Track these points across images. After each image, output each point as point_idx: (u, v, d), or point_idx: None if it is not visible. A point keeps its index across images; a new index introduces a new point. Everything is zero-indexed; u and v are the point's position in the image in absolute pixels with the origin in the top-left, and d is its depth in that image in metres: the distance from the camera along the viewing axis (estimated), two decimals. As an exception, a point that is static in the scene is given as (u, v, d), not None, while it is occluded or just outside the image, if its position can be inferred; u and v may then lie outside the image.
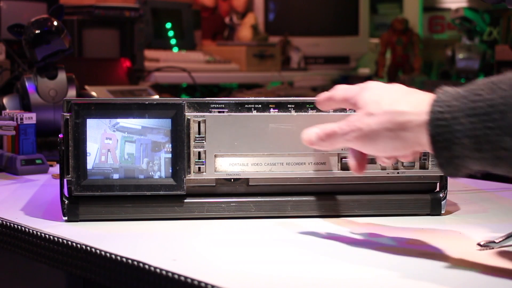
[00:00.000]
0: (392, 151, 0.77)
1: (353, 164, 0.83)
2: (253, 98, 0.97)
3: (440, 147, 0.70)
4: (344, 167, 0.97)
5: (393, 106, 0.75)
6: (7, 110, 1.40)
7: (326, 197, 0.98)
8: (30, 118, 1.33)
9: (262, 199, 0.97)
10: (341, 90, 0.84)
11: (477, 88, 0.70)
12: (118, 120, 0.94)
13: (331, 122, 0.97)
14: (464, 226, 0.94)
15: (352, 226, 0.94)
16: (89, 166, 0.93)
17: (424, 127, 0.71)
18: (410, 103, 0.74)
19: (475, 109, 0.68)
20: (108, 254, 0.80)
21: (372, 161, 0.97)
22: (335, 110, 0.97)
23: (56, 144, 0.97)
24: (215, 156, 0.95)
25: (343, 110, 0.97)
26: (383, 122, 0.75)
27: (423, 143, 0.73)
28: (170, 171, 0.94)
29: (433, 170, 0.98)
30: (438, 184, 1.00)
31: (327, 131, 0.81)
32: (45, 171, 1.33)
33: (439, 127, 0.70)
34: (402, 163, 0.97)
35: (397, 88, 0.78)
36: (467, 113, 0.69)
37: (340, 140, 0.80)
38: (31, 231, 0.90)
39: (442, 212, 0.99)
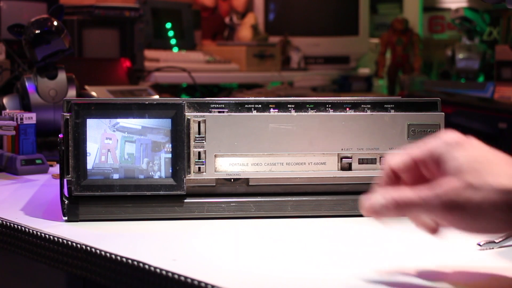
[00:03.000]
0: (492, 231, 0.65)
1: (430, 227, 0.69)
2: (253, 98, 0.97)
3: None
4: (344, 167, 0.97)
5: (503, 183, 0.61)
6: (7, 110, 1.40)
7: (326, 197, 0.98)
8: (30, 118, 1.33)
9: (262, 199, 0.97)
10: (414, 149, 0.67)
11: None
12: (118, 120, 0.94)
13: (332, 122, 0.97)
14: (464, 226, 0.94)
15: (352, 226, 0.94)
16: (89, 166, 0.93)
17: None
18: None
19: None
20: (108, 254, 0.80)
21: (372, 161, 0.97)
22: (334, 109, 0.97)
23: (56, 144, 0.97)
24: (215, 156, 0.95)
25: (344, 109, 0.97)
26: (494, 203, 0.61)
27: None
28: (170, 171, 0.94)
29: (433, 170, 0.98)
30: (438, 184, 0.99)
31: (401, 201, 0.66)
32: (45, 171, 1.33)
33: None
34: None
35: (495, 156, 0.64)
36: None
37: (421, 211, 0.65)
38: (31, 231, 0.90)
39: (442, 212, 0.99)
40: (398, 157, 0.68)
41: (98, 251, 0.81)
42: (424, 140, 0.67)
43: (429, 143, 0.66)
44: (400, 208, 0.66)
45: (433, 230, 0.68)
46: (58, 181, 1.07)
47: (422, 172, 0.67)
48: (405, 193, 0.65)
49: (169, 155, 0.94)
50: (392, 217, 0.67)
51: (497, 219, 0.62)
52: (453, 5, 4.29)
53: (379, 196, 0.67)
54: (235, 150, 0.95)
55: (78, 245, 0.84)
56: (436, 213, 0.64)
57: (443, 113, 0.98)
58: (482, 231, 0.64)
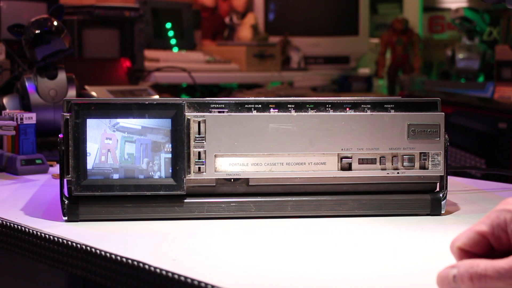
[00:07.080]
0: None
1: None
2: (253, 98, 0.97)
3: None
4: (344, 167, 0.97)
5: None
6: (7, 110, 1.40)
7: (326, 197, 0.98)
8: (30, 118, 1.33)
9: (262, 199, 0.97)
10: (479, 224, 0.63)
11: None
12: (118, 120, 0.94)
13: (332, 122, 0.97)
14: (464, 226, 0.93)
15: (352, 226, 0.94)
16: (89, 166, 0.93)
17: None
18: None
19: None
20: (108, 254, 0.80)
21: (372, 161, 0.97)
22: (334, 109, 0.97)
23: (56, 144, 0.97)
24: (215, 156, 0.95)
25: (344, 109, 0.97)
26: None
27: None
28: (170, 171, 0.94)
29: (433, 170, 0.98)
30: (438, 184, 1.00)
31: (474, 274, 0.60)
32: (45, 171, 1.33)
33: None
34: (402, 162, 0.97)
35: None
36: None
37: (497, 286, 0.58)
38: (31, 231, 0.90)
39: (442, 212, 0.99)
40: (463, 235, 0.64)
41: (98, 251, 0.81)
42: (487, 214, 0.63)
43: (493, 215, 0.62)
44: (473, 281, 0.59)
45: None
46: (58, 181, 1.07)
47: (494, 245, 0.63)
48: (480, 265, 0.59)
49: (169, 155, 0.94)
50: None
51: None
52: (453, 5, 4.29)
53: (452, 268, 0.61)
54: (235, 150, 0.95)
55: (78, 245, 0.84)
56: None
57: (443, 113, 0.98)
58: None
